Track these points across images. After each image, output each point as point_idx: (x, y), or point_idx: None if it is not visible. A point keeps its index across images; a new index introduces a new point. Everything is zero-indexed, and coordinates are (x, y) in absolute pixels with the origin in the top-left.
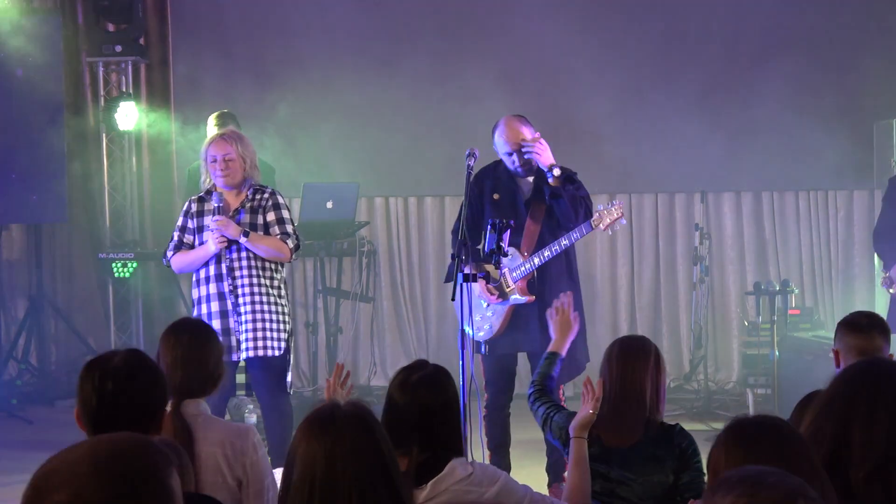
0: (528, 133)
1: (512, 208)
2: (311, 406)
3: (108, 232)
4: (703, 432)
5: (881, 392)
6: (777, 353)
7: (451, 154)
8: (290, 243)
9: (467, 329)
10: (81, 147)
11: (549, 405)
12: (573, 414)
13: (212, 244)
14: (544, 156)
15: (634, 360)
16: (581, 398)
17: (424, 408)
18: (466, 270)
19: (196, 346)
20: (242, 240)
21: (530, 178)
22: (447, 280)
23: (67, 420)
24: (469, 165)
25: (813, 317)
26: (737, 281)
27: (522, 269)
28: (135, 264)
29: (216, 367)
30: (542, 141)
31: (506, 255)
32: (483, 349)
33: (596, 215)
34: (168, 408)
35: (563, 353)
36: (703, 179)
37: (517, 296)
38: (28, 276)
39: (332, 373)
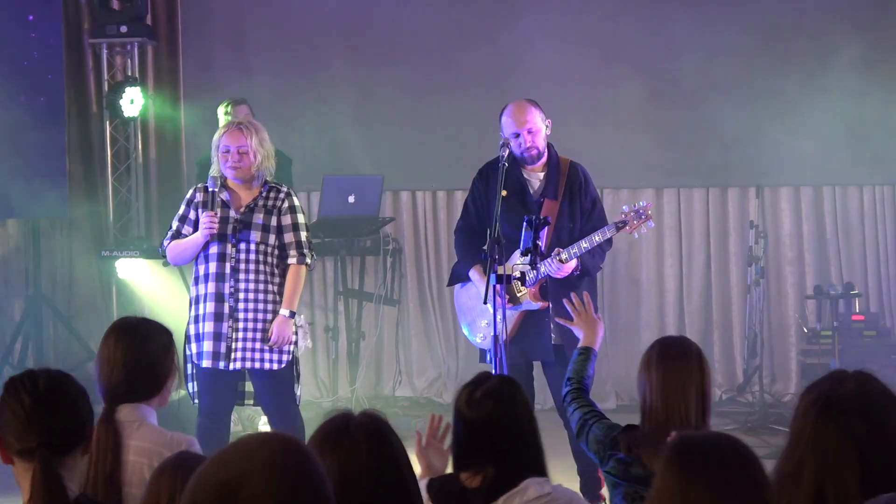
0: (538, 116)
1: (522, 205)
2: (323, 418)
3: (112, 228)
4: (758, 449)
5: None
6: (839, 363)
7: (483, 143)
8: (307, 259)
9: (470, 336)
10: (83, 136)
11: (587, 411)
12: (615, 426)
13: (199, 233)
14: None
15: (676, 363)
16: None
17: (494, 423)
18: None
19: (134, 345)
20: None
21: (541, 174)
22: (450, 283)
23: None
24: (502, 156)
25: (878, 323)
26: (795, 284)
27: (534, 272)
28: (141, 263)
29: (157, 368)
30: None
31: (543, 255)
32: (488, 358)
33: (621, 216)
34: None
35: (597, 347)
36: (759, 172)
37: (529, 301)
38: (25, 275)
39: (427, 425)
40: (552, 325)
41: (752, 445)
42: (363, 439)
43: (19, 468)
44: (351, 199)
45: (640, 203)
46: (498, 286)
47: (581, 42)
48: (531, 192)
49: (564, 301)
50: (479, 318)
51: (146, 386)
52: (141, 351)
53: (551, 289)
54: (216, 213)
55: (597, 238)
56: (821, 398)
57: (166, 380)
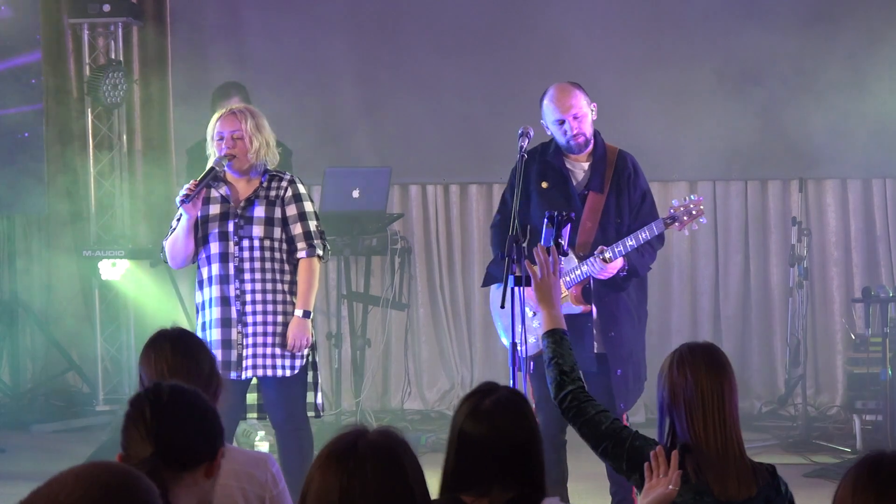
0: (583, 100)
1: (564, 199)
2: (336, 432)
3: (94, 226)
4: (801, 467)
5: None
6: (890, 373)
7: (499, 133)
8: (319, 251)
9: (507, 340)
10: (62, 125)
11: (600, 409)
12: (653, 441)
13: (184, 218)
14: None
15: (723, 374)
16: (646, 472)
17: (505, 439)
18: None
19: (182, 356)
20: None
21: (585, 164)
22: (485, 283)
23: (45, 447)
24: (521, 147)
25: None
26: (842, 286)
27: (578, 272)
28: (126, 264)
29: (211, 378)
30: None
31: (566, 253)
32: (529, 366)
33: (670, 212)
34: None
35: (563, 325)
36: (802, 164)
37: (571, 304)
38: None
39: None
40: (595, 332)
41: (795, 463)
42: (370, 460)
43: None
44: (355, 193)
45: (692, 197)
46: (518, 289)
47: (610, 28)
48: (574, 183)
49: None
50: (518, 323)
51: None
52: (200, 359)
53: (595, 291)
54: (199, 182)
55: (643, 235)
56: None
57: (219, 393)
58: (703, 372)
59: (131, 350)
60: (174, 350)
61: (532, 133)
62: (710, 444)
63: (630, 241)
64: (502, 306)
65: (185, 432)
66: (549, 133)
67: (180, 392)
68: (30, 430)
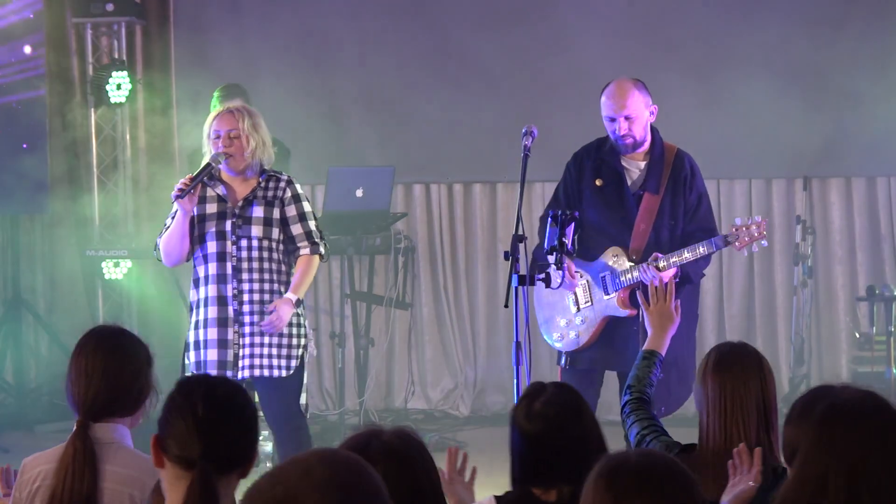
0: (640, 101)
1: (619, 198)
2: (347, 433)
3: (98, 225)
4: None
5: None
6: (894, 371)
7: (504, 132)
8: (321, 249)
9: (545, 334)
10: (65, 124)
11: (646, 424)
12: (673, 444)
13: (179, 213)
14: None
15: (730, 375)
16: (730, 470)
17: (560, 432)
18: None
19: (117, 355)
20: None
21: (641, 163)
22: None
23: (49, 447)
24: (525, 146)
25: None
26: (846, 284)
27: (629, 275)
28: (129, 264)
29: (140, 384)
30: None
31: (569, 253)
32: (563, 360)
33: (732, 230)
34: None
35: (663, 351)
36: (806, 163)
37: (617, 307)
38: (2, 277)
39: (446, 462)
40: (639, 336)
41: None
42: (381, 462)
43: (170, 474)
44: (359, 192)
45: (756, 218)
46: (522, 287)
47: (613, 26)
48: (629, 183)
49: (638, 292)
50: (559, 316)
51: (125, 402)
52: (124, 362)
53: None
54: (195, 178)
55: (701, 250)
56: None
57: (145, 398)
58: (711, 373)
59: None
60: (99, 350)
61: (536, 132)
62: (709, 440)
63: (687, 254)
64: (506, 305)
65: (234, 434)
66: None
67: (234, 390)
68: (33, 431)
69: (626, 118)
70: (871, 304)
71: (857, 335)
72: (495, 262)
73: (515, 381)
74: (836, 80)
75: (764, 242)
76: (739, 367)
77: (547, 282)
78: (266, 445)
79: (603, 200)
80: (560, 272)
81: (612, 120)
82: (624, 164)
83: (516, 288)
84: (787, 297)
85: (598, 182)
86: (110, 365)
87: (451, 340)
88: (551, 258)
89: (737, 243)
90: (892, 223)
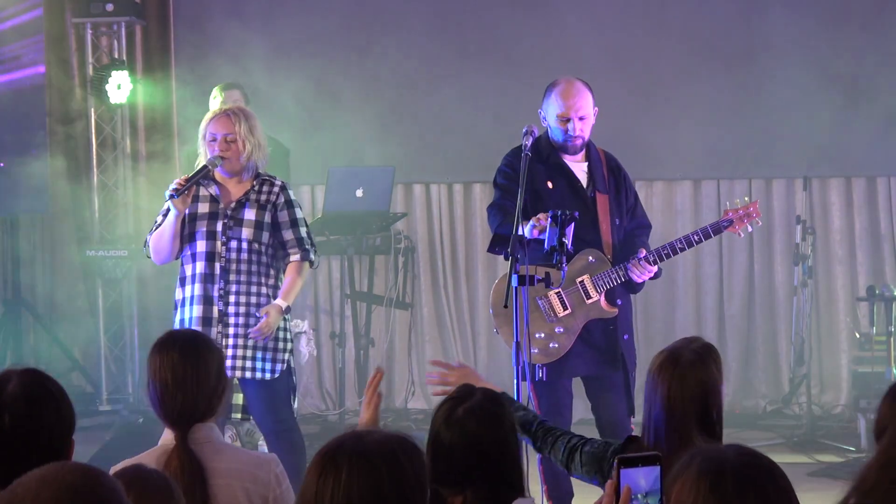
0: (590, 102)
1: (580, 200)
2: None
3: (97, 225)
4: (806, 466)
5: None
6: (895, 371)
7: (504, 132)
8: (312, 256)
9: (525, 359)
10: (65, 124)
11: (570, 436)
12: (611, 441)
13: (171, 212)
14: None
15: (666, 372)
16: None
17: (476, 445)
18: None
19: (191, 361)
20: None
21: (583, 164)
22: (493, 248)
23: None
24: (526, 145)
25: None
26: (846, 284)
27: (615, 275)
28: (129, 263)
29: (218, 381)
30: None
31: (570, 253)
32: (540, 374)
33: (728, 214)
34: (173, 440)
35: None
36: (806, 162)
37: (604, 310)
38: (2, 277)
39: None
40: (618, 334)
41: (799, 462)
42: (365, 463)
43: None
44: (359, 192)
45: (746, 199)
46: (522, 287)
47: (614, 26)
48: (581, 185)
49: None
50: (537, 331)
51: (214, 403)
52: (209, 368)
53: (617, 294)
54: (190, 179)
55: (695, 238)
56: None
57: (223, 392)
58: (654, 371)
59: (135, 350)
60: (182, 358)
61: (536, 132)
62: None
63: (679, 245)
64: (505, 306)
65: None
66: (543, 123)
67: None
68: None
69: (581, 118)
70: (872, 304)
71: (858, 335)
72: (495, 262)
73: (515, 381)
74: (836, 79)
75: (759, 222)
76: (675, 365)
77: (546, 282)
78: (265, 446)
79: (562, 203)
80: (561, 272)
81: (566, 120)
82: (570, 165)
83: (516, 288)
84: (787, 297)
85: (549, 184)
86: (200, 370)
87: (451, 340)
88: (552, 259)
89: (735, 224)
90: (892, 223)
